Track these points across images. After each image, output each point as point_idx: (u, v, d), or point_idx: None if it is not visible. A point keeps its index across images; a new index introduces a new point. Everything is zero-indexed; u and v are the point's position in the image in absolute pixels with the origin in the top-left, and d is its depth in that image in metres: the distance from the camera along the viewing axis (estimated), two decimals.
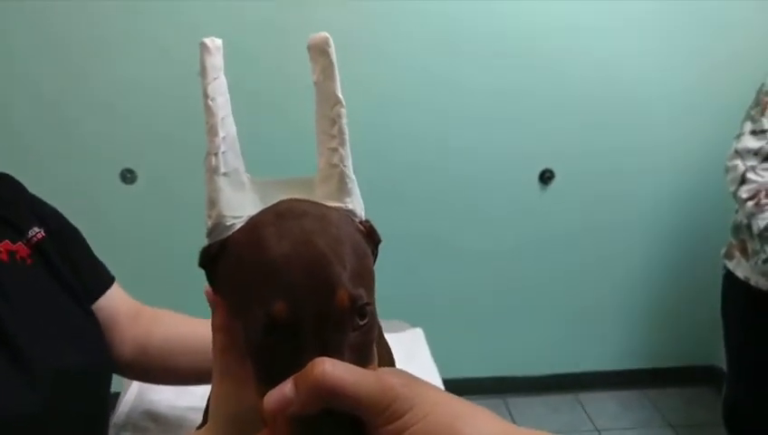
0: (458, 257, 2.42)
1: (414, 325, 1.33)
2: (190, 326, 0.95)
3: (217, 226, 0.52)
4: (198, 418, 1.01)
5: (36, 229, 0.80)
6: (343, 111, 0.55)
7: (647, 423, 2.53)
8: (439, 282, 2.43)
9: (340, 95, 0.55)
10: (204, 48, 0.52)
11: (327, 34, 0.54)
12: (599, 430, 2.48)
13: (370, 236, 0.56)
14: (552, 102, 2.25)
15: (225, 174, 0.53)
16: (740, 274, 1.83)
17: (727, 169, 1.78)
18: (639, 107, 2.30)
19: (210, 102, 0.52)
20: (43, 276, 0.79)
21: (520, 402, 2.62)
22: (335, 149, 0.55)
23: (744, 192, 1.71)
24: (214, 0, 2.01)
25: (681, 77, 2.30)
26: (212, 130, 0.52)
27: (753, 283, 1.79)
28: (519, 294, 2.51)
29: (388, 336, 0.65)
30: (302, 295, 0.44)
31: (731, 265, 1.88)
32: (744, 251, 1.82)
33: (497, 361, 2.62)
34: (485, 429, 0.39)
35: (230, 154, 0.54)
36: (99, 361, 0.82)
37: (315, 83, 0.56)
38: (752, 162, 1.70)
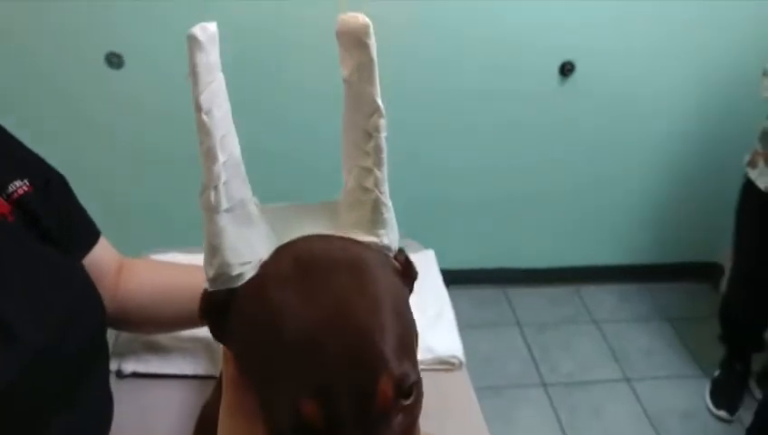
0: (464, 148, 2.32)
1: (425, 245, 1.27)
2: (169, 275, 0.92)
3: (221, 276, 0.43)
4: (198, 348, 1.01)
5: (18, 183, 0.72)
6: (383, 122, 0.44)
7: (644, 317, 2.58)
8: (444, 177, 2.35)
9: (380, 102, 0.43)
10: (193, 43, 0.39)
11: (366, 20, 0.41)
12: (596, 322, 2.52)
13: (407, 273, 0.48)
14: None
15: (228, 210, 0.43)
16: (761, 184, 1.77)
17: (765, 73, 1.66)
18: (668, 8, 2.10)
19: (205, 118, 0.40)
20: (26, 234, 0.72)
21: (520, 293, 2.65)
22: (369, 170, 0.45)
23: None
24: None
25: None
26: (209, 156, 0.41)
27: None
28: (524, 187, 2.45)
29: None
30: (336, 389, 0.37)
31: (753, 174, 1.81)
32: None
33: (499, 253, 2.61)
34: None
35: (233, 183, 0.43)
36: (92, 309, 0.78)
37: (346, 81, 0.44)
38: None
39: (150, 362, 0.97)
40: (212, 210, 0.42)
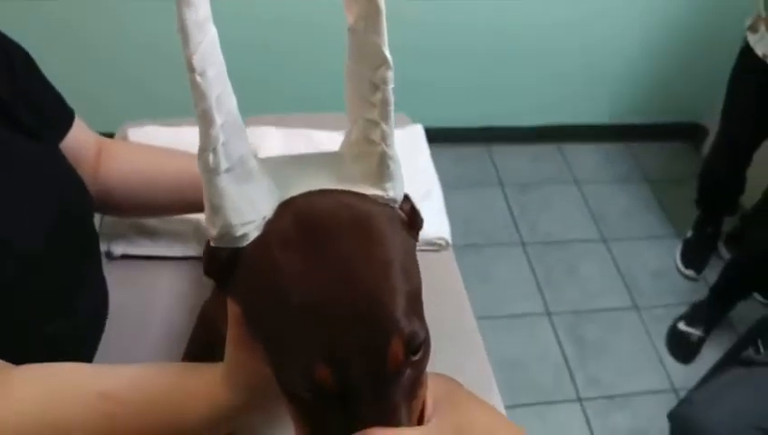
0: (450, 7, 2.20)
1: (414, 121, 1.24)
2: (152, 159, 0.89)
3: (225, 235, 0.42)
4: (186, 229, 1.01)
5: None
6: (390, 74, 0.42)
7: (625, 177, 2.61)
8: (428, 28, 2.24)
9: (388, 54, 0.41)
10: (181, 0, 0.36)
11: None
12: (578, 182, 2.55)
13: (412, 223, 0.47)
14: None
15: (227, 170, 0.41)
16: (759, 50, 1.72)
17: None
18: None
19: (198, 79, 0.38)
20: None
21: (503, 151, 2.64)
22: (376, 124, 0.43)
23: None
24: None
25: None
26: (205, 118, 0.39)
27: None
28: (508, 45, 2.35)
29: None
30: (348, 353, 0.37)
31: (753, 38, 1.75)
32: None
33: (483, 111, 2.56)
34: None
35: (232, 141, 0.41)
36: (79, 198, 0.76)
37: (351, 30, 0.41)
38: None
39: (140, 243, 0.96)
40: (211, 172, 0.41)
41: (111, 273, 0.88)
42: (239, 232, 0.42)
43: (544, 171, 2.60)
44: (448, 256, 1.05)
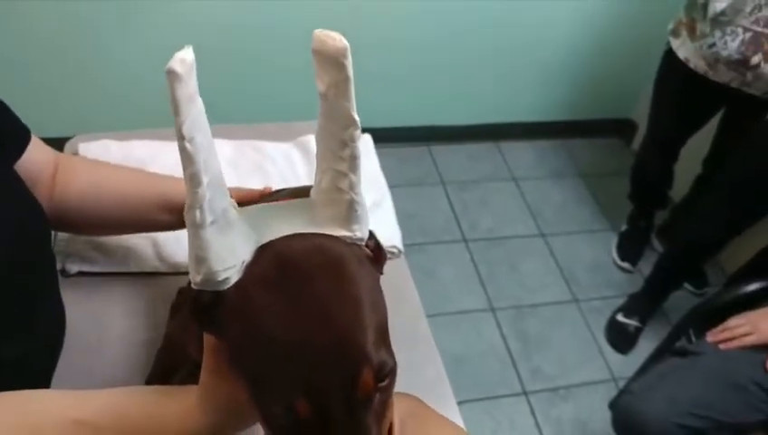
0: (388, 11, 2.22)
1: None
2: (109, 178, 0.88)
3: (208, 281, 0.45)
4: (146, 247, 0.99)
5: None
6: (358, 133, 0.46)
7: (560, 173, 2.69)
8: (369, 36, 2.26)
9: (356, 116, 0.45)
10: (173, 77, 0.39)
11: (344, 43, 0.42)
12: (515, 179, 2.63)
13: (378, 258, 0.52)
14: None
15: (212, 223, 0.44)
16: (681, 54, 1.81)
17: None
18: None
19: (188, 146, 0.41)
20: None
21: (443, 150, 2.69)
22: (344, 175, 0.47)
23: None
24: None
25: None
26: (193, 180, 0.42)
27: (691, 65, 1.78)
28: (444, 47, 2.39)
29: None
30: (325, 386, 0.42)
31: (675, 43, 1.84)
32: (692, 31, 1.77)
33: (423, 111, 2.60)
34: None
35: (216, 197, 0.44)
36: (35, 217, 0.75)
37: (322, 96, 0.45)
38: None
39: (95, 260, 0.95)
40: (198, 227, 0.44)
41: (67, 291, 0.87)
42: (221, 277, 0.45)
43: (483, 169, 2.66)
44: (401, 263, 1.07)
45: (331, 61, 0.43)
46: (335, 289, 0.44)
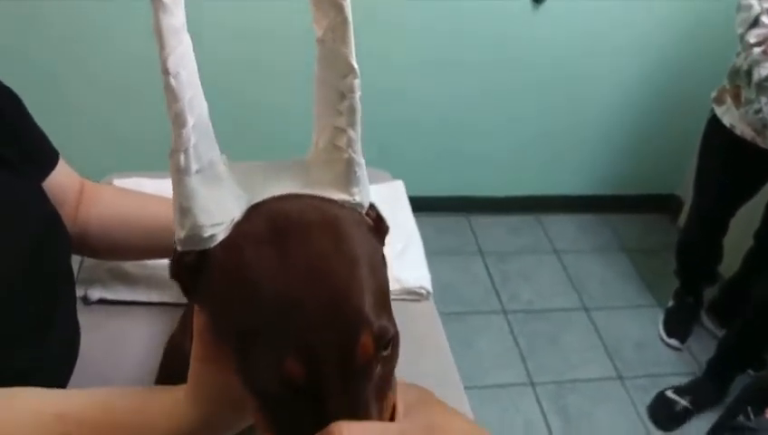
0: (433, 77, 2.28)
1: (395, 177, 1.26)
2: (133, 202, 0.90)
3: (192, 237, 0.42)
4: (165, 276, 0.99)
5: None
6: (357, 83, 0.43)
7: (604, 247, 2.63)
8: (410, 101, 2.30)
9: (355, 63, 0.43)
10: (158, 5, 0.37)
11: None
12: (557, 252, 2.57)
13: (379, 228, 0.48)
14: None
15: (198, 171, 0.42)
16: (726, 121, 1.78)
17: (739, 8, 1.63)
18: None
19: (172, 81, 0.39)
20: None
21: (483, 222, 2.66)
22: (342, 130, 0.44)
23: (753, 36, 1.59)
24: None
25: None
26: (178, 120, 0.40)
27: (737, 132, 1.75)
28: (489, 116, 2.42)
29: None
30: (319, 347, 0.37)
31: (719, 110, 1.81)
32: (736, 98, 1.75)
33: (464, 181, 2.60)
34: None
35: (202, 144, 0.42)
36: (58, 234, 0.76)
37: (320, 42, 0.43)
38: None
39: (117, 289, 0.95)
40: (182, 172, 0.41)
41: (87, 318, 0.87)
42: (207, 233, 0.42)
43: (523, 241, 2.61)
44: (429, 305, 1.04)
45: (330, 1, 0.41)
46: (331, 247, 0.41)
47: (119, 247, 0.88)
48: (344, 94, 0.43)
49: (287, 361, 0.37)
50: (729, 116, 1.77)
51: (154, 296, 0.95)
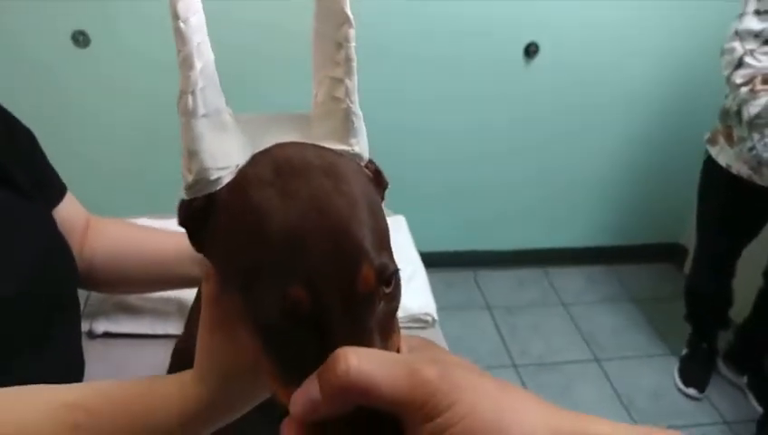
0: (434, 133, 2.34)
1: (395, 212, 1.28)
2: (136, 236, 0.91)
3: (199, 181, 0.44)
4: (170, 308, 0.99)
5: None
6: (352, 32, 0.45)
7: (612, 298, 2.61)
8: (414, 157, 2.36)
9: (350, 12, 0.44)
10: None
11: None
12: (564, 305, 2.55)
13: (377, 181, 0.49)
14: None
15: (204, 116, 0.43)
16: (722, 161, 1.81)
17: (723, 51, 1.69)
18: None
19: (182, 25, 0.41)
20: None
21: (489, 276, 2.66)
22: (339, 80, 0.46)
23: (738, 77, 1.64)
24: None
25: None
26: (186, 62, 0.41)
27: (734, 170, 1.78)
28: (491, 169, 2.47)
29: None
30: (322, 277, 0.38)
31: (713, 151, 1.85)
32: (729, 138, 1.78)
33: (468, 234, 2.62)
34: (536, 421, 0.34)
35: (209, 90, 0.43)
36: (63, 259, 0.77)
37: None
38: (751, 45, 1.61)
39: (122, 322, 0.96)
40: (189, 115, 0.43)
41: (92, 350, 0.88)
42: (214, 175, 0.43)
43: (531, 294, 2.60)
44: (435, 332, 1.03)
45: None
46: (332, 186, 0.41)
47: (124, 279, 0.90)
48: (341, 44, 0.45)
49: (291, 289, 0.37)
50: (724, 156, 1.80)
51: (158, 329, 0.95)
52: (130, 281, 0.91)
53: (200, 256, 0.48)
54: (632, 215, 2.70)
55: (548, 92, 2.33)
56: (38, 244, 0.73)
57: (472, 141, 2.38)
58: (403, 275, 1.10)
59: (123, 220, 1.07)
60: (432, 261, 2.40)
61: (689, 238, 2.51)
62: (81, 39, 1.93)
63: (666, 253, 2.81)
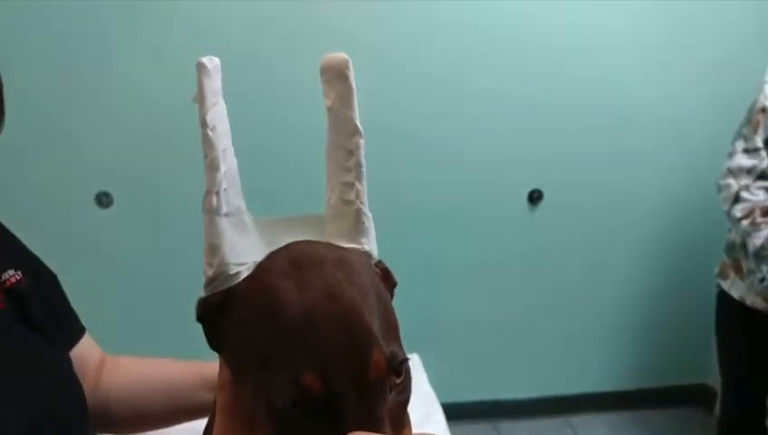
0: (446, 279, 2.37)
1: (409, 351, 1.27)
2: (150, 369, 0.92)
3: (220, 275, 0.46)
4: None
5: (11, 272, 0.74)
6: (362, 141, 0.50)
7: None
8: (426, 304, 2.37)
9: (359, 124, 0.50)
10: (201, 69, 0.46)
11: (346, 56, 0.49)
12: None
13: (387, 279, 0.51)
14: (540, 122, 2.23)
15: (227, 214, 0.47)
16: (735, 293, 1.80)
17: (720, 188, 1.75)
18: (628, 127, 2.29)
19: (210, 133, 0.46)
20: (16, 321, 0.73)
21: (509, 427, 2.56)
22: (350, 184, 0.50)
23: (738, 211, 1.68)
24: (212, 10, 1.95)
25: (670, 97, 2.29)
26: (212, 165, 0.46)
27: (748, 303, 1.76)
28: (507, 316, 2.46)
29: None
30: (334, 362, 0.39)
31: (725, 284, 1.84)
32: (738, 270, 1.79)
33: (485, 383, 2.56)
34: None
35: (232, 191, 0.48)
36: (74, 398, 0.77)
37: (329, 109, 0.51)
38: (745, 181, 1.67)
39: None
40: (213, 212, 0.46)
41: None
42: (233, 270, 0.46)
43: None
44: None
45: (336, 73, 0.49)
46: (344, 278, 0.44)
47: (138, 414, 0.88)
48: (351, 151, 0.49)
49: (304, 375, 0.38)
50: (736, 289, 1.80)
51: None
52: (145, 414, 0.90)
53: (208, 382, 0.49)
54: (651, 356, 2.65)
55: (554, 239, 2.39)
56: (50, 386, 0.73)
57: (481, 293, 2.41)
58: (418, 414, 1.09)
59: (135, 358, 1.07)
60: (450, 414, 2.34)
61: (716, 378, 2.43)
62: (104, 200, 2.04)
63: (692, 394, 2.71)
